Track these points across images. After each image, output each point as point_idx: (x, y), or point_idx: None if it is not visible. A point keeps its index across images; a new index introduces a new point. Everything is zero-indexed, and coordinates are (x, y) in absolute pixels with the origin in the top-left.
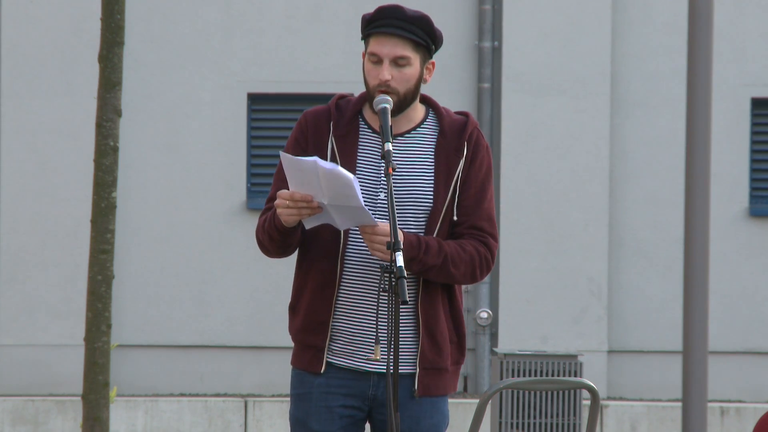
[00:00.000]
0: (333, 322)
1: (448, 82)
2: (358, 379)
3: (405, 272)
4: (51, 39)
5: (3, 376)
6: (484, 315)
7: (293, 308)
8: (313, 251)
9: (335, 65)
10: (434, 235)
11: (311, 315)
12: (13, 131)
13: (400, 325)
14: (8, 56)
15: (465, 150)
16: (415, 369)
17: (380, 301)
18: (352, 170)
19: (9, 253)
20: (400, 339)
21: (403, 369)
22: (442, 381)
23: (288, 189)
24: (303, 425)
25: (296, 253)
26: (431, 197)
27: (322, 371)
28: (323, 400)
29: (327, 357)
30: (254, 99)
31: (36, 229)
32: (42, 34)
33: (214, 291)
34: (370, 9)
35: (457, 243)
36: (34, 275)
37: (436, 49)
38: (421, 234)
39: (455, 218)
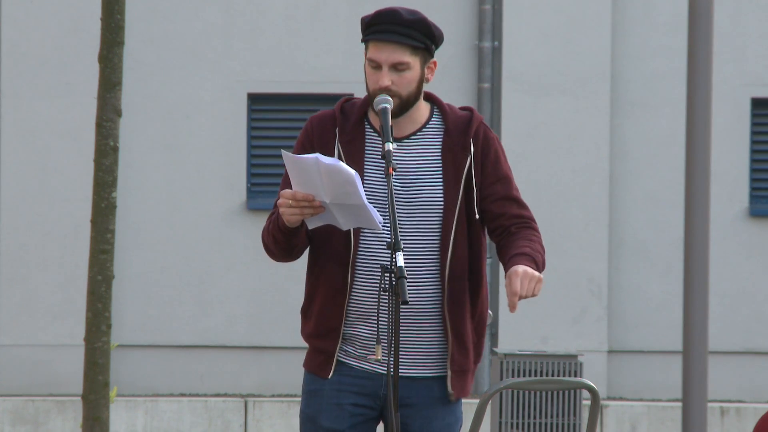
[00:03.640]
0: (344, 327)
1: (448, 82)
2: (370, 379)
3: (405, 272)
4: (51, 39)
5: (3, 376)
6: None
7: (305, 313)
8: (323, 257)
9: (335, 65)
10: (452, 235)
11: (323, 321)
12: (13, 131)
13: (427, 328)
14: (8, 56)
15: (472, 147)
16: (445, 372)
17: (381, 301)
18: (360, 175)
19: (9, 253)
20: (427, 342)
21: (430, 372)
22: (468, 382)
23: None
24: (313, 422)
25: (306, 257)
26: (441, 198)
27: (329, 376)
28: (335, 398)
29: (339, 357)
30: (254, 99)
31: (36, 229)
32: (42, 34)
33: (214, 291)
34: (370, 9)
35: (528, 241)
36: (34, 275)
37: (437, 48)
38: (438, 235)
39: (477, 215)
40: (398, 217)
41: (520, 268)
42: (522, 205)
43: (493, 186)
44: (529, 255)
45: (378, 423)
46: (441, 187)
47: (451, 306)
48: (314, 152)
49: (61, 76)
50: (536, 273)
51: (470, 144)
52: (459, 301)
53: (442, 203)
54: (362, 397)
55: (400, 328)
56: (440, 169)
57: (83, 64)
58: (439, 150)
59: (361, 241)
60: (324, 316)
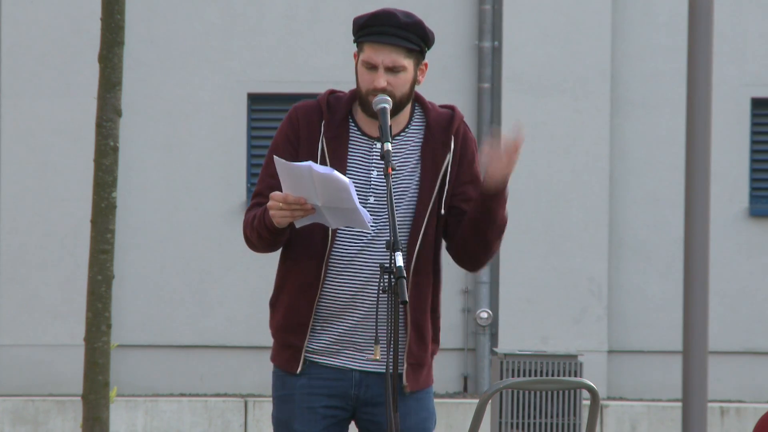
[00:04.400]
0: (314, 322)
1: (448, 82)
2: (339, 379)
3: (404, 272)
4: (51, 39)
5: (3, 376)
6: (484, 315)
7: (273, 305)
8: (298, 250)
9: (335, 65)
10: (422, 230)
11: (291, 315)
12: (13, 131)
13: (387, 322)
14: (8, 56)
15: (452, 144)
16: (402, 366)
17: (380, 301)
18: (342, 173)
19: (9, 253)
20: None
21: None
22: (424, 374)
23: (279, 188)
24: (286, 426)
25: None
26: (416, 192)
27: (298, 371)
28: (306, 401)
29: (307, 356)
30: (254, 99)
31: (36, 229)
32: (42, 34)
33: (214, 291)
34: (370, 9)
35: None
36: (34, 275)
37: (429, 49)
38: (408, 228)
39: (442, 211)
40: (373, 210)
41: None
42: None
43: (466, 186)
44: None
45: (349, 423)
46: (417, 183)
47: (413, 299)
48: (299, 143)
49: (61, 76)
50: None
51: (451, 141)
52: (422, 294)
53: (415, 197)
54: (333, 399)
55: (363, 324)
56: (419, 164)
57: (83, 64)
58: (419, 146)
59: (338, 237)
60: (293, 309)
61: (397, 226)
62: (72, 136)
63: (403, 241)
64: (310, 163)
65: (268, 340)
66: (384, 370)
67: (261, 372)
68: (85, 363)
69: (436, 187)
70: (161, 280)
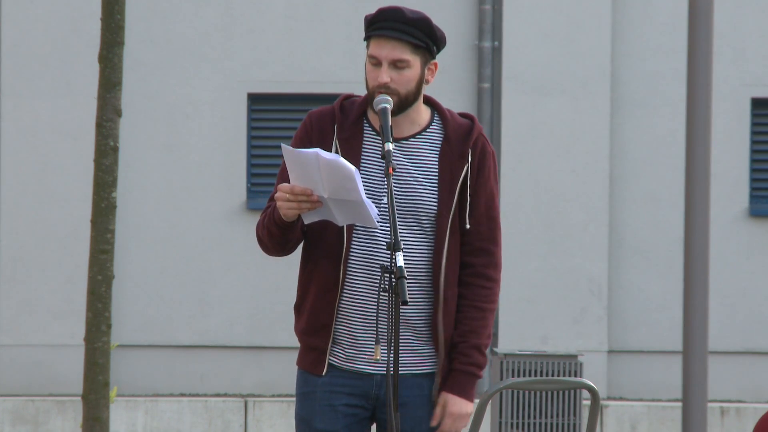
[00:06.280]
0: (336, 324)
1: (448, 82)
2: (361, 379)
3: (405, 272)
4: (51, 39)
5: (3, 376)
6: None
7: (298, 309)
8: (316, 253)
9: (335, 65)
10: (445, 245)
11: (314, 317)
12: (13, 131)
13: (417, 328)
14: (8, 56)
15: (470, 156)
16: (435, 369)
17: (380, 301)
18: None
19: (9, 253)
20: (416, 341)
21: (421, 369)
22: None
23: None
24: (307, 424)
25: (300, 253)
26: (435, 203)
27: (323, 373)
28: (327, 399)
29: (330, 359)
30: (254, 99)
31: (36, 229)
32: (42, 34)
33: (214, 291)
34: (370, 9)
35: (478, 320)
36: (34, 275)
37: (439, 50)
38: (431, 239)
39: (467, 226)
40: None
41: (456, 407)
42: (496, 225)
43: (479, 200)
44: (474, 365)
45: (372, 423)
46: (436, 193)
47: (445, 317)
48: (312, 147)
49: (61, 76)
50: (466, 410)
51: (468, 153)
52: (451, 311)
53: (435, 208)
54: (354, 398)
55: (380, 327)
56: (436, 174)
57: (83, 64)
58: (437, 156)
59: (354, 238)
60: (316, 312)
61: (418, 237)
62: (72, 136)
63: (427, 254)
64: (317, 149)
65: (268, 341)
66: (404, 373)
67: (261, 372)
68: (85, 363)
69: (455, 200)
70: (161, 280)
